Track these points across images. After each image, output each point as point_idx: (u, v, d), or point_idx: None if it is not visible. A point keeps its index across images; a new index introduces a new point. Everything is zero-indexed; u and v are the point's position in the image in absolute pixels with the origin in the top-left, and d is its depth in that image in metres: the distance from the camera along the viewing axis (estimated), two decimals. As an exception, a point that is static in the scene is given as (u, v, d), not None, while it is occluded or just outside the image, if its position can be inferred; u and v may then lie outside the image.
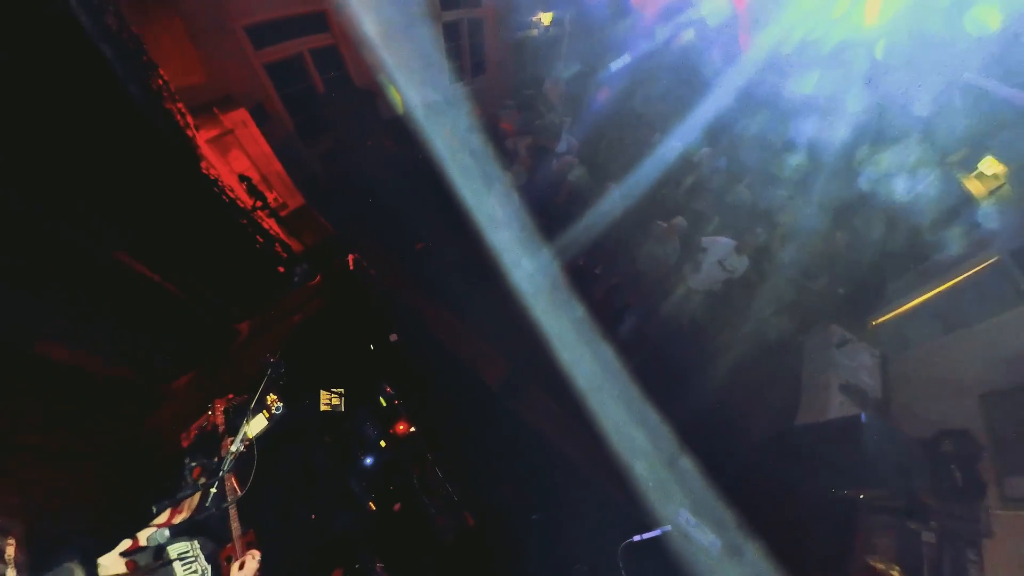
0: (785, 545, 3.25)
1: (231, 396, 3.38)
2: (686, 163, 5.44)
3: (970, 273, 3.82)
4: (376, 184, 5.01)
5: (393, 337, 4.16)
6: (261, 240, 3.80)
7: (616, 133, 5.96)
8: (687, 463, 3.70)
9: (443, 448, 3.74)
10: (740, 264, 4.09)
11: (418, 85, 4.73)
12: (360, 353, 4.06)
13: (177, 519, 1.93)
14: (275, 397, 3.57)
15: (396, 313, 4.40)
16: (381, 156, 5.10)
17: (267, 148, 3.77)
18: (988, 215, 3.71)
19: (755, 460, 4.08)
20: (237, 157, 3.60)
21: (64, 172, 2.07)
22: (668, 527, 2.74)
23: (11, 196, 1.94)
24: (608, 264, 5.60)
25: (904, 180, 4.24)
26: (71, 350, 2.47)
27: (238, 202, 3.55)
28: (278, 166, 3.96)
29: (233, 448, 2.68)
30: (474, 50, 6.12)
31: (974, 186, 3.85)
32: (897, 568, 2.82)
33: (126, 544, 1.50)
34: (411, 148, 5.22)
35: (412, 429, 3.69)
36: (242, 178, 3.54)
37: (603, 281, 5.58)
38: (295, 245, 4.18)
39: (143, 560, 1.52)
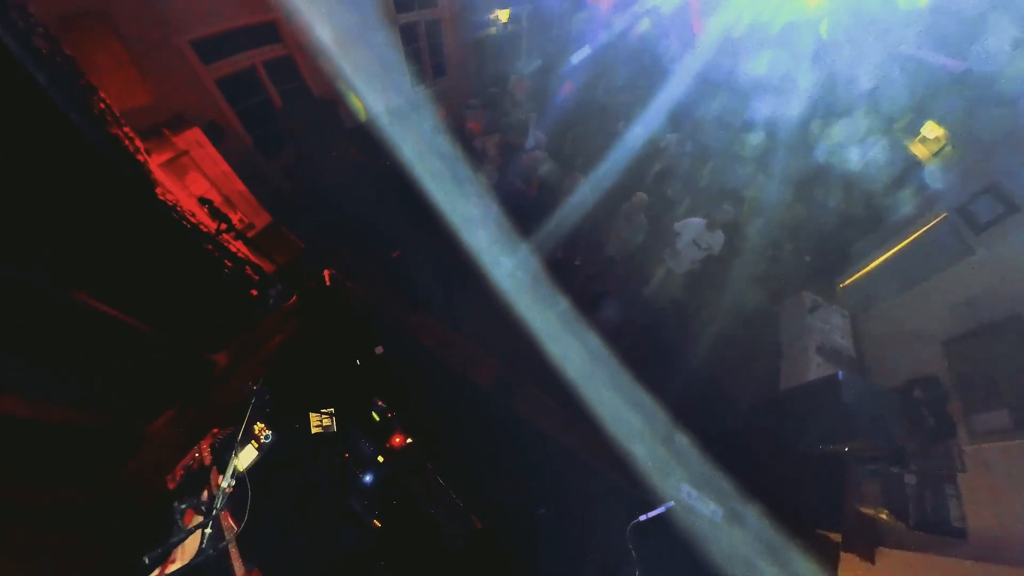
0: (782, 504, 3.41)
1: (215, 430, 3.24)
2: (653, 149, 5.56)
3: (922, 231, 4.12)
4: (345, 195, 4.88)
5: (379, 349, 4.09)
6: (230, 264, 3.63)
7: (582, 125, 6.03)
8: (682, 439, 3.80)
9: (442, 455, 3.70)
10: (715, 240, 4.21)
11: (379, 91, 4.62)
12: (347, 370, 3.96)
13: (171, 568, 1.83)
14: (262, 425, 3.45)
15: (379, 325, 4.32)
16: (347, 166, 4.96)
17: (226, 167, 3.60)
18: (933, 176, 3.99)
19: (745, 427, 4.25)
20: (195, 179, 3.42)
21: (8, 211, 1.90)
22: (671, 503, 2.82)
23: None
24: (587, 254, 5.67)
25: (856, 149, 4.49)
26: (31, 401, 2.29)
27: (201, 227, 3.38)
28: (240, 185, 3.79)
29: (224, 484, 2.56)
30: (433, 51, 6.04)
31: (919, 150, 4.13)
32: (885, 511, 3.01)
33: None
34: (378, 155, 5.10)
35: (409, 440, 3.64)
36: (203, 201, 3.37)
37: (583, 271, 5.65)
38: (266, 266, 4.02)
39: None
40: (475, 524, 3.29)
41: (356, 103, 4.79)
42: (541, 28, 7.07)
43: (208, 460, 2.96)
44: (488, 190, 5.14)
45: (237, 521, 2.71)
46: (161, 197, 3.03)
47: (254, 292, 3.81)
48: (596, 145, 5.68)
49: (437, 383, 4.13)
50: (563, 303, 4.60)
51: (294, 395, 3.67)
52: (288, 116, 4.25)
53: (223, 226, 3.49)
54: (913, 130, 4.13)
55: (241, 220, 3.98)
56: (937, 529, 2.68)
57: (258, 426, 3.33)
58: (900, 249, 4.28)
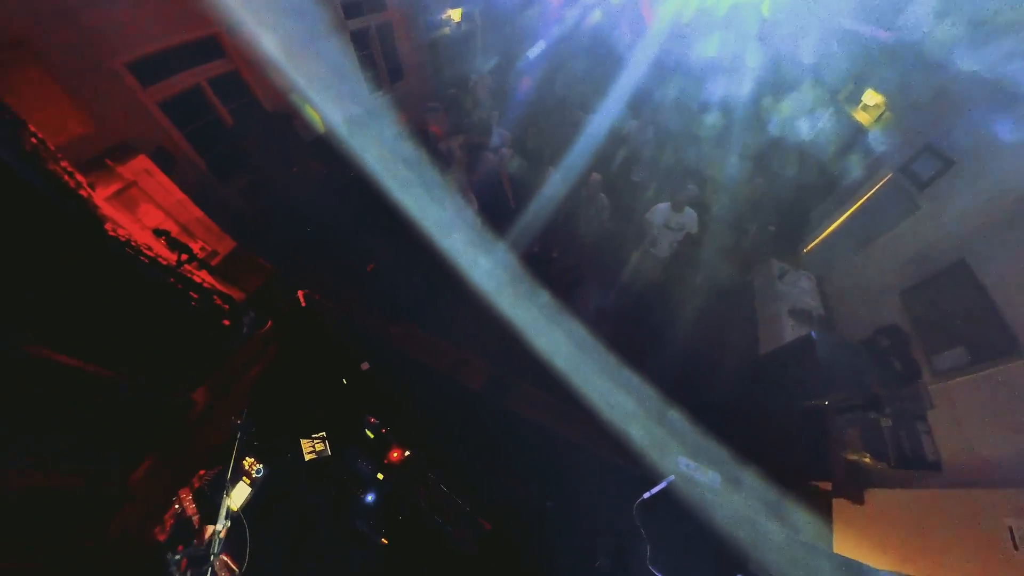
0: (774, 462, 3.57)
1: (202, 472, 3.09)
2: (616, 137, 5.67)
3: (872, 192, 4.42)
4: (311, 211, 4.72)
5: (364, 366, 4.00)
6: (196, 296, 3.46)
7: (544, 119, 6.07)
8: (674, 414, 3.91)
9: (443, 463, 3.66)
10: (686, 219, 4.33)
11: (335, 100, 4.49)
12: (334, 390, 3.85)
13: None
14: (252, 460, 3.32)
15: (362, 340, 4.21)
16: (310, 180, 4.79)
17: (180, 195, 3.40)
18: (877, 140, 4.29)
19: (732, 395, 4.42)
20: (148, 211, 3.22)
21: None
22: (672, 477, 2.92)
23: None
24: (562, 245, 5.73)
25: (805, 121, 4.76)
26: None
27: (160, 260, 3.20)
28: (197, 212, 3.60)
29: (219, 527, 2.45)
30: (388, 56, 5.90)
31: (862, 117, 4.42)
32: (867, 455, 3.23)
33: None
34: (341, 167, 4.97)
35: (407, 453, 3.59)
36: (159, 233, 3.18)
37: (560, 262, 5.71)
38: (236, 293, 3.84)
39: None
40: (484, 526, 3.28)
41: (312, 115, 4.63)
42: (495, 25, 7.07)
43: (198, 504, 2.82)
44: (458, 192, 5.11)
45: (237, 562, 2.59)
46: (112, 233, 2.84)
47: (226, 322, 3.64)
48: (560, 138, 5.74)
49: (428, 391, 4.08)
50: (544, 296, 4.64)
51: (282, 423, 3.55)
52: (241, 135, 4.05)
53: (184, 257, 3.31)
54: (855, 99, 4.44)
55: (203, 249, 3.78)
56: (915, 465, 2.89)
57: (248, 461, 3.20)
58: (854, 211, 4.59)
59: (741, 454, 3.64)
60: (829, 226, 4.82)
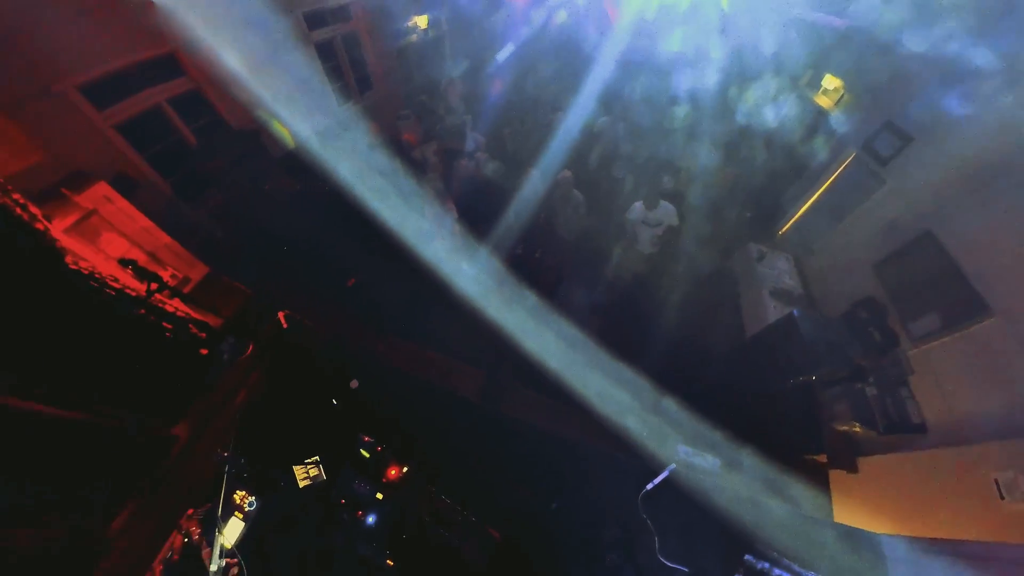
0: (768, 441, 3.67)
1: (190, 511, 2.95)
2: (589, 135, 5.76)
3: (838, 172, 4.64)
4: (286, 229, 4.60)
5: (354, 384, 3.92)
6: (170, 327, 3.31)
7: (518, 121, 6.11)
8: (669, 403, 3.98)
9: (443, 475, 3.61)
10: (662, 213, 4.41)
11: (304, 114, 4.40)
12: (324, 412, 3.74)
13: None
14: (243, 493, 3.19)
15: (349, 358, 4.13)
16: (283, 197, 4.68)
17: (146, 221, 3.26)
18: (839, 121, 4.52)
19: (722, 379, 4.52)
20: (111, 240, 3.07)
21: None
22: (672, 465, 2.96)
23: None
24: (545, 244, 5.76)
25: (770, 108, 4.96)
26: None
27: (127, 292, 3.06)
28: (165, 238, 3.45)
29: (213, 567, 2.35)
30: (355, 66, 5.84)
31: (823, 100, 4.64)
32: (857, 424, 3.36)
33: None
34: (314, 181, 4.87)
35: (405, 469, 3.53)
36: (125, 263, 3.04)
37: (544, 262, 5.74)
38: (213, 320, 3.70)
39: None
40: (494, 536, 3.25)
41: (281, 130, 4.52)
42: (462, 30, 7.11)
43: (190, 545, 2.68)
44: (436, 199, 5.08)
45: (238, 602, 2.48)
46: (73, 267, 2.69)
47: (204, 351, 3.51)
48: (535, 138, 5.78)
49: (422, 404, 4.03)
50: (531, 297, 4.66)
51: (272, 451, 3.44)
52: (206, 154, 3.91)
53: (153, 286, 3.17)
54: (815, 84, 4.68)
55: (173, 276, 3.63)
56: (902, 429, 3.03)
57: (239, 495, 3.08)
58: (823, 191, 4.82)
59: (737, 436, 3.73)
60: (801, 207, 5.04)
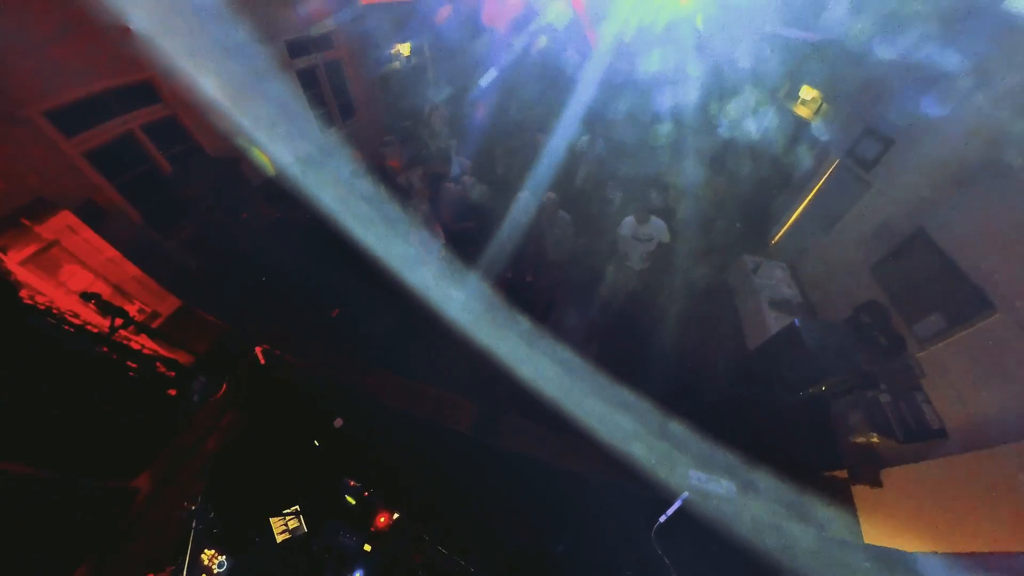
0: (784, 459, 3.58)
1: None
2: (574, 156, 5.95)
3: (824, 178, 4.86)
4: (265, 258, 4.51)
5: (338, 422, 3.75)
6: (134, 365, 3.15)
7: (503, 145, 6.30)
8: (675, 425, 3.89)
9: (437, 520, 3.39)
10: (653, 229, 4.49)
11: (285, 141, 4.43)
12: (305, 455, 3.53)
13: None
14: (212, 552, 2.93)
15: (333, 395, 3.96)
16: (262, 226, 4.62)
17: (113, 252, 3.15)
18: (820, 130, 4.79)
19: (729, 397, 4.46)
20: (73, 272, 2.95)
21: None
22: (685, 494, 2.84)
23: None
24: (535, 267, 5.78)
25: (752, 121, 5.25)
26: None
27: (88, 328, 2.91)
28: (133, 270, 3.34)
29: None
30: (338, 93, 6.01)
31: (802, 111, 4.94)
32: (874, 434, 3.30)
33: None
34: (295, 209, 4.84)
35: (395, 516, 3.31)
36: (87, 297, 2.91)
37: (536, 286, 5.73)
38: (183, 357, 3.54)
39: None
40: (497, 587, 3.01)
41: (260, 157, 4.53)
42: (445, 57, 7.40)
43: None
44: (422, 224, 5.10)
45: None
46: (28, 302, 2.57)
47: (172, 392, 3.32)
48: (521, 162, 5.94)
49: (412, 442, 3.84)
50: (524, 322, 4.61)
51: (246, 502, 3.20)
52: (181, 182, 3.87)
53: (118, 322, 3.04)
54: (793, 95, 5.01)
55: (141, 311, 3.49)
56: (922, 436, 2.98)
57: (207, 554, 2.82)
58: (811, 198, 5.03)
59: (750, 456, 3.63)
60: (791, 215, 5.22)
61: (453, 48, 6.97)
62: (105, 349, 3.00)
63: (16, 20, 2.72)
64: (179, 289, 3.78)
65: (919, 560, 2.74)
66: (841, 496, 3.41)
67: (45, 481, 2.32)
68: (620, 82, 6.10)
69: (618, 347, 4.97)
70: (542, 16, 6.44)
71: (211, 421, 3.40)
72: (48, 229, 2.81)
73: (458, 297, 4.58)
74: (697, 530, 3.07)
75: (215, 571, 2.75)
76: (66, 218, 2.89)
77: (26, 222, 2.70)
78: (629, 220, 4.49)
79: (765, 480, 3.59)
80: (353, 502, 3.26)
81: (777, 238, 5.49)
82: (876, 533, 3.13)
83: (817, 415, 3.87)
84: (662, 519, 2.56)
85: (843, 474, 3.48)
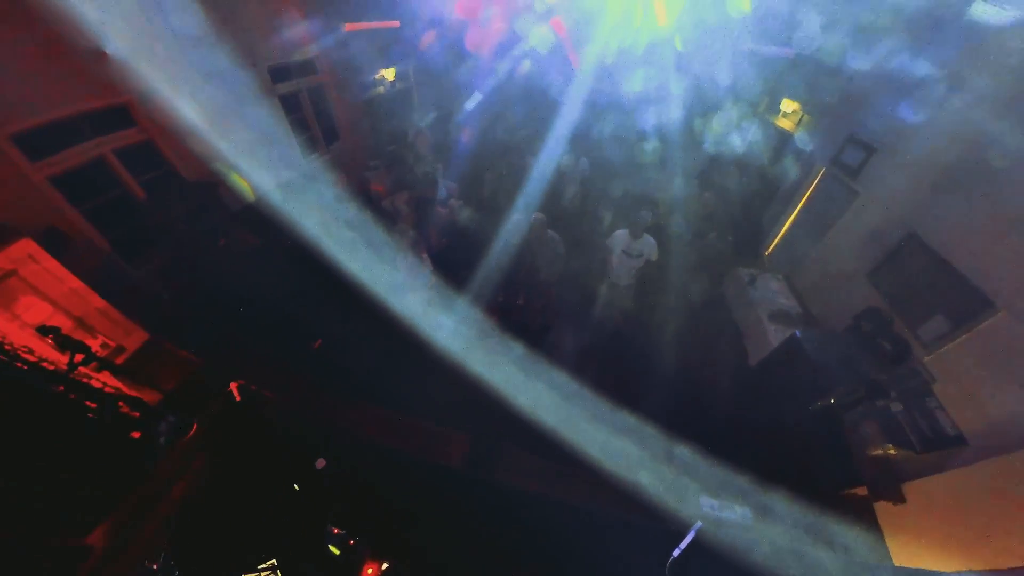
0: (800, 478, 3.49)
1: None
2: (560, 175, 6.10)
3: (812, 187, 5.05)
4: (243, 287, 4.40)
5: (320, 463, 3.56)
6: (94, 405, 2.95)
7: (489, 168, 6.44)
8: (682, 450, 3.79)
9: (431, 568, 3.21)
10: (644, 246, 4.55)
11: (266, 166, 4.44)
12: (283, 501, 3.30)
13: None
14: (175, 617, 2.66)
15: (314, 434, 3.78)
16: (241, 253, 4.52)
17: (76, 282, 3.02)
18: (803, 141, 5.04)
19: (735, 415, 4.40)
20: (31, 304, 2.80)
21: None
22: (699, 523, 2.74)
23: None
24: (527, 290, 5.76)
25: (736, 135, 5.50)
26: None
27: (44, 365, 2.73)
28: (98, 301, 3.19)
29: None
30: (322, 118, 6.11)
31: (784, 123, 5.20)
32: (891, 446, 3.24)
33: None
34: (276, 236, 4.78)
35: (384, 566, 3.11)
36: (44, 331, 2.76)
37: (529, 308, 5.70)
38: (149, 396, 3.35)
39: None
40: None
41: (240, 182, 4.51)
42: (430, 82, 7.69)
43: None
44: (409, 249, 5.09)
45: None
46: (-22, 333, 2.40)
47: (136, 434, 3.11)
48: (509, 184, 6.06)
49: (402, 481, 3.66)
50: (518, 348, 4.55)
51: (216, 559, 2.96)
52: (155, 208, 3.79)
53: (78, 358, 2.88)
54: (774, 109, 5.31)
55: (105, 345, 3.32)
56: (940, 444, 2.93)
57: (169, 620, 2.55)
58: (801, 208, 5.22)
59: (763, 478, 3.54)
60: (783, 226, 5.38)
61: (438, 73, 7.28)
62: (62, 388, 2.81)
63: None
64: (149, 321, 3.63)
65: (954, 581, 2.63)
66: (863, 515, 3.31)
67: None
68: (604, 103, 6.38)
69: (617, 369, 4.91)
70: (525, 41, 6.79)
71: (178, 466, 3.18)
72: (5, 258, 2.68)
73: (447, 323, 4.51)
74: (714, 562, 2.93)
75: (179, 641, 2.48)
76: (26, 246, 2.77)
77: (-19, 250, 2.57)
78: (622, 234, 4.54)
79: (781, 503, 3.48)
80: (337, 552, 3.08)
81: (770, 249, 5.63)
82: (904, 553, 3.02)
83: (829, 430, 3.81)
84: (676, 553, 2.44)
85: (863, 491, 3.39)
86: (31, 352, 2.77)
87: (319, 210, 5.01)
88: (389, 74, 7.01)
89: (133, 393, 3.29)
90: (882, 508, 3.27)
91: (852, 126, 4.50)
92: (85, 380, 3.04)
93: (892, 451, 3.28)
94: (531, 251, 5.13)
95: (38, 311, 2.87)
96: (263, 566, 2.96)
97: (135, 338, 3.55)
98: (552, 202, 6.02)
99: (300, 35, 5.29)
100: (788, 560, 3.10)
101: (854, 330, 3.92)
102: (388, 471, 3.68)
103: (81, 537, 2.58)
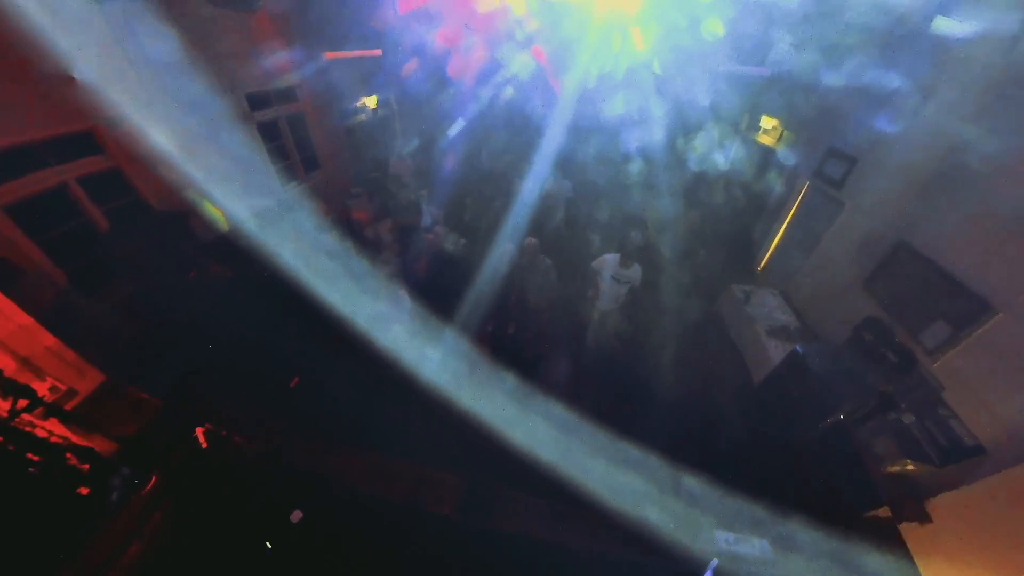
0: (817, 503, 3.39)
1: None
2: (544, 199, 6.22)
3: (798, 201, 5.25)
4: (212, 323, 4.22)
5: (296, 516, 3.33)
6: (36, 458, 2.71)
7: (473, 193, 6.53)
8: (690, 481, 3.68)
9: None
10: (632, 273, 4.58)
11: (241, 195, 4.37)
12: (253, 560, 3.10)
13: None
14: None
15: (289, 483, 3.55)
16: (212, 285, 4.37)
17: (24, 318, 2.85)
18: (786, 156, 5.29)
19: (743, 439, 4.31)
20: (-31, 343, 2.60)
21: None
22: (715, 561, 2.64)
23: None
24: (518, 318, 5.71)
25: (719, 153, 5.76)
26: None
27: (-20, 413, 2.52)
28: (49, 339, 3.00)
29: None
30: (301, 146, 6.14)
31: (765, 139, 5.46)
32: (908, 462, 3.19)
33: None
34: (250, 267, 4.66)
35: None
36: (-16, 374, 2.55)
37: (519, 337, 5.62)
38: (102, 445, 3.11)
39: None
40: None
41: (213, 212, 4.42)
42: (412, 109, 7.88)
43: None
44: (393, 279, 5.03)
45: None
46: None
47: (84, 490, 2.85)
48: (494, 210, 6.13)
49: (387, 531, 3.42)
50: (510, 379, 4.45)
51: None
52: (119, 239, 3.66)
53: (21, 403, 2.67)
54: (755, 126, 5.61)
55: (54, 389, 3.09)
56: (959, 455, 2.91)
57: None
58: (789, 222, 5.43)
59: (779, 506, 3.42)
60: (773, 241, 5.55)
61: (419, 100, 7.50)
62: (0, 439, 2.57)
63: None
64: (107, 361, 3.41)
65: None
66: (889, 538, 3.20)
67: None
68: (587, 126, 6.65)
69: (615, 397, 4.81)
70: (507, 68, 7.10)
71: (133, 524, 2.91)
72: (-57, 292, 2.51)
73: (434, 356, 4.39)
74: (735, 601, 2.78)
75: None
76: (-29, 279, 2.61)
77: (-83, 284, 2.41)
78: (611, 259, 4.57)
79: (801, 531, 3.36)
80: (315, 618, 2.82)
81: (763, 265, 5.77)
82: (938, 577, 2.91)
83: (842, 448, 3.76)
84: (693, 594, 2.32)
85: (886, 512, 3.30)
86: (-34, 398, 2.56)
87: (297, 240, 4.94)
88: (371, 101, 7.18)
89: (83, 442, 3.04)
90: (908, 529, 3.17)
91: (832, 138, 4.77)
92: (28, 428, 2.81)
93: (910, 467, 3.24)
94: (521, 277, 5.12)
95: (-22, 351, 2.67)
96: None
97: (89, 380, 3.32)
98: (538, 226, 6.10)
99: (279, 63, 5.40)
100: (813, 593, 2.96)
101: (856, 341, 3.96)
102: (373, 523, 3.44)
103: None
